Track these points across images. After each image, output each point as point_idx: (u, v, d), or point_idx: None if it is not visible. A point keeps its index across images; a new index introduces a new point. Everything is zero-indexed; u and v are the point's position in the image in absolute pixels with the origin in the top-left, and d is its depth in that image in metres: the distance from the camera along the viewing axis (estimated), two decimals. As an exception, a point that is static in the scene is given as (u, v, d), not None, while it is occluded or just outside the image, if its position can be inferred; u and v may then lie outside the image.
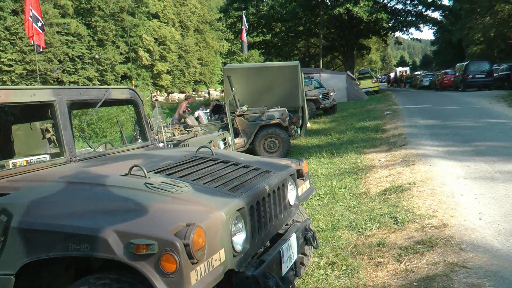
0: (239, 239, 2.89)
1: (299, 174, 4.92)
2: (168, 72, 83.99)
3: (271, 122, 11.93)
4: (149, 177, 3.06)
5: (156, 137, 8.77)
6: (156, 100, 11.64)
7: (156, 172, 3.26)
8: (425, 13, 44.08)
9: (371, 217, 5.93)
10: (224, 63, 79.01)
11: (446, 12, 44.15)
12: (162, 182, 3.03)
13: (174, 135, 10.23)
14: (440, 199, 6.23)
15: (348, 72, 35.80)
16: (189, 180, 3.16)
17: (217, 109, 14.19)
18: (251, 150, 11.70)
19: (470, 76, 30.85)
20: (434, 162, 8.60)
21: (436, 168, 8.16)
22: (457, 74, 34.41)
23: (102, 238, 2.44)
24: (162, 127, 8.97)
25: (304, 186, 5.04)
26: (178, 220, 2.57)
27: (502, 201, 5.97)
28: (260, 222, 3.22)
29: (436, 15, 45.79)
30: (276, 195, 3.53)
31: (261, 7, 43.05)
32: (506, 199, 6.06)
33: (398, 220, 5.57)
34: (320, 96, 21.71)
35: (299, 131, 13.79)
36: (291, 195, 3.88)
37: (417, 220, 5.47)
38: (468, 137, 11.21)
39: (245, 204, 3.00)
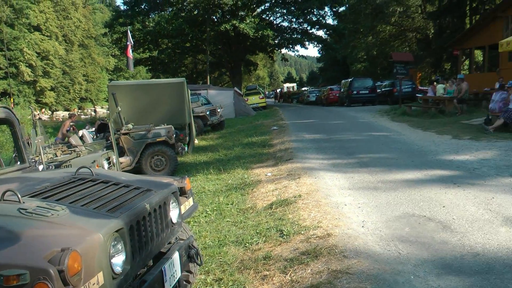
0: (119, 260, 2.83)
1: (182, 192, 4.91)
2: (52, 89, 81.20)
3: (157, 139, 11.89)
4: (24, 202, 2.90)
5: (36, 158, 8.37)
6: (40, 118, 11.10)
7: (31, 196, 3.11)
8: (310, 31, 46.22)
9: (257, 231, 6.01)
10: (111, 80, 77.50)
11: (331, 31, 46.44)
12: (37, 206, 2.88)
13: (57, 156, 9.80)
14: (325, 210, 6.43)
15: (236, 88, 36.42)
16: (67, 203, 3.04)
17: (102, 128, 13.85)
18: (137, 169, 11.52)
19: (355, 92, 32.61)
20: (319, 175, 8.91)
21: (321, 180, 8.45)
22: (342, 90, 36.22)
23: None
24: (42, 148, 8.56)
25: (188, 203, 5.04)
26: (53, 246, 2.46)
27: (384, 209, 6.32)
28: (141, 242, 3.17)
29: (321, 33, 48.00)
30: (157, 214, 3.49)
31: (147, 23, 42.90)
32: (387, 206, 6.42)
33: (284, 233, 5.68)
34: (208, 113, 21.90)
35: (186, 148, 13.81)
36: (174, 213, 3.86)
37: (302, 232, 5.61)
38: (352, 149, 11.76)
39: (125, 224, 2.94)
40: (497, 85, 17.00)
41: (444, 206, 6.18)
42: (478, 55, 38.99)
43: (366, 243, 5.05)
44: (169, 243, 3.82)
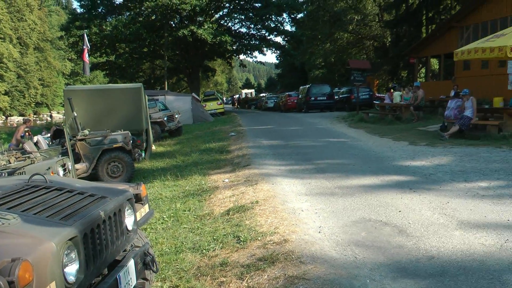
0: (72, 269, 2.77)
1: (138, 198, 4.85)
2: (6, 93, 79.26)
3: (114, 145, 11.81)
4: None
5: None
6: (-7, 124, 10.79)
7: (-19, 205, 3.01)
8: (269, 38, 46.56)
9: (214, 237, 5.98)
10: (67, 84, 76.24)
11: (289, 38, 46.86)
12: None
13: (10, 162, 9.53)
14: (282, 216, 6.45)
15: (194, 94, 36.35)
16: (18, 211, 2.96)
17: (58, 134, 13.63)
18: (93, 176, 11.41)
19: (313, 98, 32.95)
20: (276, 181, 8.94)
21: (278, 186, 8.48)
22: (300, 97, 36.49)
23: None
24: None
25: (143, 210, 4.99)
26: (3, 256, 2.39)
27: (341, 214, 6.38)
28: (95, 250, 3.12)
29: (279, 39, 48.47)
30: (112, 221, 3.44)
31: (104, 26, 42.33)
32: (344, 212, 6.48)
33: (241, 239, 5.67)
34: (165, 119, 21.79)
35: (143, 154, 13.71)
36: (129, 220, 3.82)
37: (259, 238, 5.60)
38: (309, 155, 11.85)
39: (78, 232, 2.88)
40: (452, 93, 17.47)
41: (400, 211, 6.28)
42: (434, 63, 40.01)
43: (323, 248, 5.08)
44: (125, 250, 3.77)
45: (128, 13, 44.04)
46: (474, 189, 7.22)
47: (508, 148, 10.86)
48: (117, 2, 44.02)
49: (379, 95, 34.55)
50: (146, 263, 3.88)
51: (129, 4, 41.64)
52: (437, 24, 33.67)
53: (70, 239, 2.79)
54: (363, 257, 4.76)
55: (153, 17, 41.38)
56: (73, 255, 2.80)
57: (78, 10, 52.73)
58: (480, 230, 5.32)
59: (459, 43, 22.85)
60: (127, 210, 3.82)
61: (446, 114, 14.64)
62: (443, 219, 5.82)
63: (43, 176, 3.78)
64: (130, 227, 3.80)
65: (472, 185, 7.50)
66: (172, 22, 42.86)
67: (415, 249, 4.88)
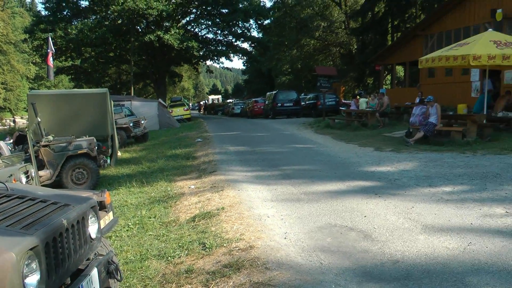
0: (33, 280, 2.69)
1: (102, 206, 4.79)
2: (-34, 97, 77.47)
3: (79, 152, 11.64)
4: None
5: None
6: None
7: None
8: (235, 44, 46.70)
9: (179, 244, 5.93)
10: (31, 89, 74.93)
11: (255, 44, 47.07)
12: None
13: (-30, 170, 9.29)
14: (248, 222, 6.45)
15: (160, 99, 36.17)
16: None
17: (21, 140, 13.37)
18: (58, 183, 11.24)
19: (279, 105, 33.10)
20: (242, 187, 8.94)
21: (244, 192, 8.48)
22: (266, 103, 36.61)
23: None
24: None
25: (107, 218, 4.93)
26: None
27: (306, 220, 6.40)
28: (58, 260, 3.03)
29: (246, 45, 48.71)
30: (75, 229, 3.37)
31: (69, 30, 41.74)
32: (310, 217, 6.51)
33: (206, 246, 5.64)
34: (131, 124, 21.60)
35: (108, 160, 13.59)
36: (93, 228, 3.74)
37: (224, 244, 5.58)
38: (276, 162, 11.88)
39: (40, 241, 2.80)
40: (417, 100, 17.77)
41: (365, 216, 6.34)
42: (400, 70, 40.59)
43: (288, 254, 5.09)
44: (88, 259, 3.71)
45: (94, 17, 43.59)
46: (438, 194, 7.34)
47: (471, 154, 11.06)
48: (83, 6, 43.58)
49: (345, 101, 34.91)
50: (110, 272, 3.83)
51: (95, 8, 41.18)
52: (402, 32, 34.22)
53: (31, 249, 2.71)
54: (329, 263, 4.78)
55: (120, 22, 41.07)
56: (34, 265, 2.73)
57: (43, 13, 51.98)
58: (444, 234, 5.40)
59: (423, 51, 23.29)
60: (91, 218, 3.75)
61: (411, 121, 14.86)
62: (408, 223, 5.89)
63: (4, 184, 3.69)
64: (93, 236, 3.74)
65: (437, 190, 7.62)
66: (138, 27, 42.62)
67: (380, 254, 4.92)
